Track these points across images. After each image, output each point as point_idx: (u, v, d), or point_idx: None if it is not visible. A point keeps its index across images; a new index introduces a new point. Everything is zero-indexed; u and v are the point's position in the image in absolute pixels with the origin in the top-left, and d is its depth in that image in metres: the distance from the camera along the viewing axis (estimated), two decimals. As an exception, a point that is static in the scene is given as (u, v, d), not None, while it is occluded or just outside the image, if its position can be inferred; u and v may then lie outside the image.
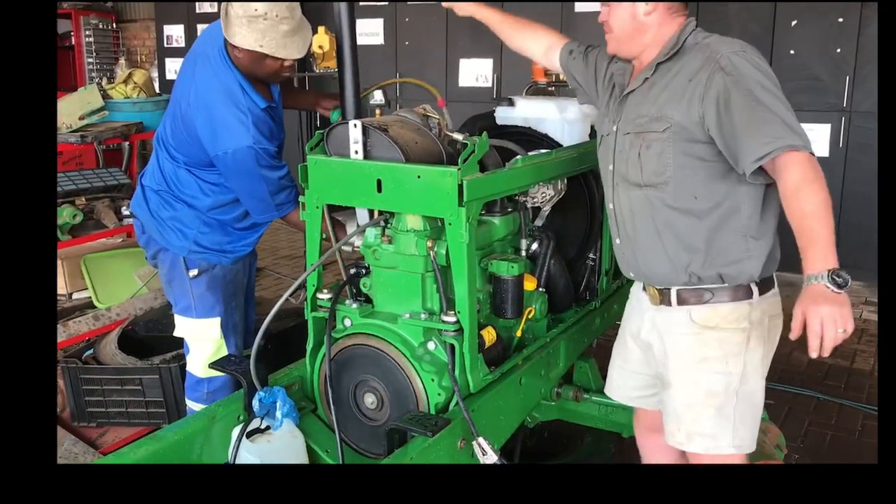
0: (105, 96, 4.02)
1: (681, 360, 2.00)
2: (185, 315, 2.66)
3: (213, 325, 2.64)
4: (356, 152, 2.04)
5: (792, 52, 5.29)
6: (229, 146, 2.36)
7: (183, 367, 2.94)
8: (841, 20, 5.14)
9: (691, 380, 1.98)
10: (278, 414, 2.05)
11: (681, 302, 1.99)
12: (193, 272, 2.60)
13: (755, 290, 1.94)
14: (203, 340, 2.66)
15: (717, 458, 1.98)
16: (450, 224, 1.92)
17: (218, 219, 2.60)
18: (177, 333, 2.72)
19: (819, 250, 1.63)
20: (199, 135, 2.41)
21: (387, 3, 6.88)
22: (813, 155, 1.72)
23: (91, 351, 3.44)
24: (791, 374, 3.87)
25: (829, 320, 1.58)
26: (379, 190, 1.98)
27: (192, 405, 2.71)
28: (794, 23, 5.26)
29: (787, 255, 1.94)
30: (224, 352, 2.64)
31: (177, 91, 2.53)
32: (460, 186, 1.87)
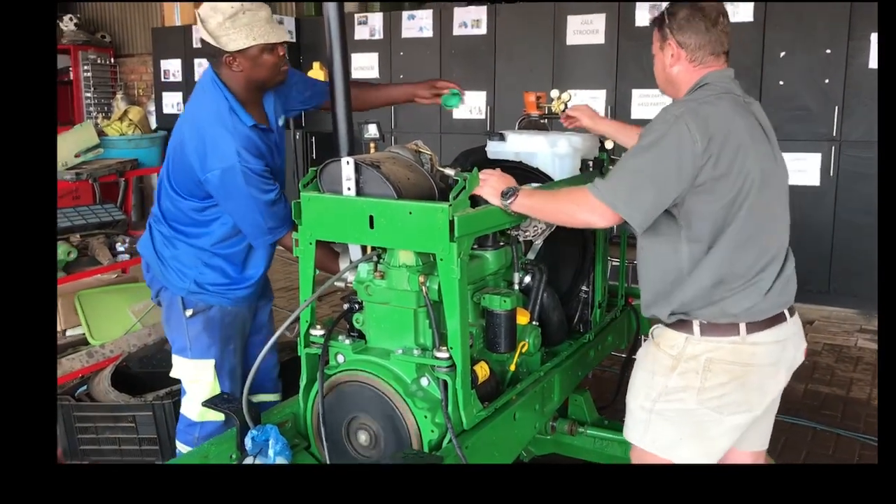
0: (101, 133, 4.05)
1: (637, 362, 2.21)
2: (181, 355, 2.62)
3: (208, 366, 2.59)
4: (349, 189, 2.06)
5: (781, 82, 5.36)
6: (217, 166, 2.35)
7: (177, 403, 2.90)
8: (829, 52, 5.21)
9: (633, 380, 2.19)
10: (271, 452, 2.04)
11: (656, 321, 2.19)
12: (189, 312, 2.57)
13: (696, 327, 2.03)
14: (197, 382, 2.61)
15: (642, 453, 2.15)
16: (441, 259, 1.92)
17: (222, 254, 2.56)
18: (173, 374, 2.68)
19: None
20: (190, 161, 2.40)
21: (382, 38, 6.97)
22: (604, 205, 1.94)
23: (84, 388, 3.42)
24: (787, 404, 3.85)
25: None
26: (371, 226, 1.99)
27: (182, 447, 2.66)
28: (782, 54, 5.34)
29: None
30: None
31: (175, 126, 2.54)
32: (451, 222, 1.89)
